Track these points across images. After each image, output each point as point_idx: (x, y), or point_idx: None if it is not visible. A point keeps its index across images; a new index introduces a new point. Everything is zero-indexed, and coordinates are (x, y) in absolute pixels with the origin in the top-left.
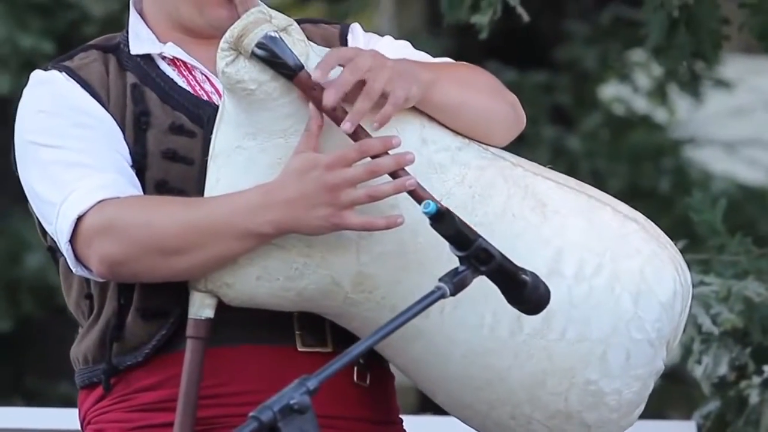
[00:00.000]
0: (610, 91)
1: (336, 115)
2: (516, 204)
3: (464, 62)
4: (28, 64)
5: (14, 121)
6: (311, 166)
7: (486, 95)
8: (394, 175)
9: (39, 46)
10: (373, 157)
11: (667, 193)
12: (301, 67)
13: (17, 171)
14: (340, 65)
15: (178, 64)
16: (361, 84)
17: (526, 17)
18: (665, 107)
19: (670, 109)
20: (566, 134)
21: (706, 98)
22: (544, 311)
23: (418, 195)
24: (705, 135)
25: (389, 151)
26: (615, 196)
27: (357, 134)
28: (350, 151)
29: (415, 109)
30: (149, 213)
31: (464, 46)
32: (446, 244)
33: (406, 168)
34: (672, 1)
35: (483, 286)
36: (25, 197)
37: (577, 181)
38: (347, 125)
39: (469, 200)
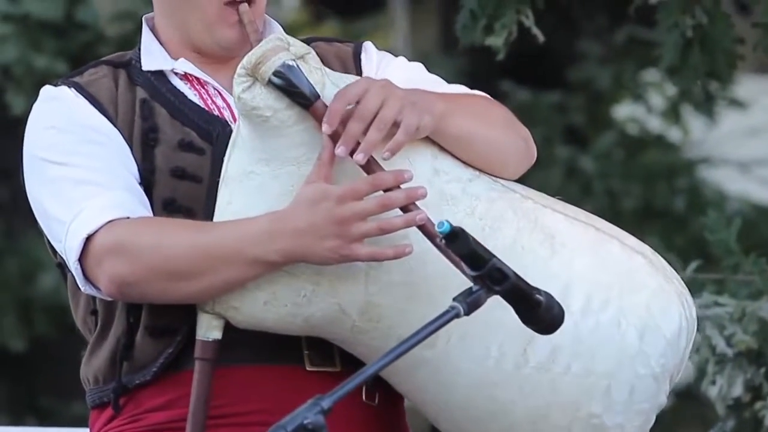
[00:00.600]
0: (624, 110)
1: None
2: (525, 237)
3: (478, 92)
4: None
5: None
6: (322, 197)
7: (499, 128)
8: (404, 208)
9: (53, 66)
10: (385, 190)
11: (682, 212)
12: (317, 96)
13: (25, 185)
14: (350, 104)
15: (190, 78)
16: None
17: (541, 37)
18: (679, 127)
19: (684, 129)
20: (580, 154)
21: (721, 118)
22: (551, 345)
23: (428, 230)
24: (719, 155)
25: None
26: (629, 216)
27: (369, 165)
28: (362, 184)
29: (427, 140)
30: (160, 236)
31: (478, 66)
32: (454, 274)
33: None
34: (686, 21)
35: (490, 318)
36: None
37: (586, 214)
38: (360, 156)
39: (479, 232)
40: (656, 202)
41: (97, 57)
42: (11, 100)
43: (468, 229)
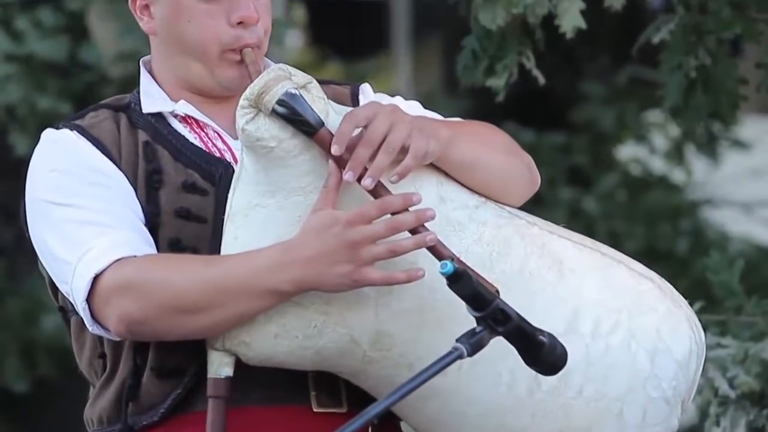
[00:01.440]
0: (627, 151)
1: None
2: (533, 262)
3: (479, 121)
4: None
5: None
6: (331, 223)
7: (502, 154)
8: (413, 231)
9: (57, 107)
10: (393, 213)
11: (685, 253)
12: (322, 124)
13: (28, 230)
14: (358, 126)
15: (189, 121)
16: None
17: (541, 79)
18: (682, 168)
19: (687, 170)
20: (583, 195)
21: (724, 159)
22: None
23: (438, 251)
24: (722, 196)
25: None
26: (632, 257)
27: (377, 190)
28: (371, 208)
29: (432, 167)
30: (168, 271)
31: (481, 107)
32: (465, 307)
33: (426, 224)
34: (689, 62)
35: (500, 344)
36: None
37: (592, 240)
38: (368, 181)
39: (487, 258)
40: (659, 243)
41: (101, 97)
42: (15, 140)
43: (476, 256)
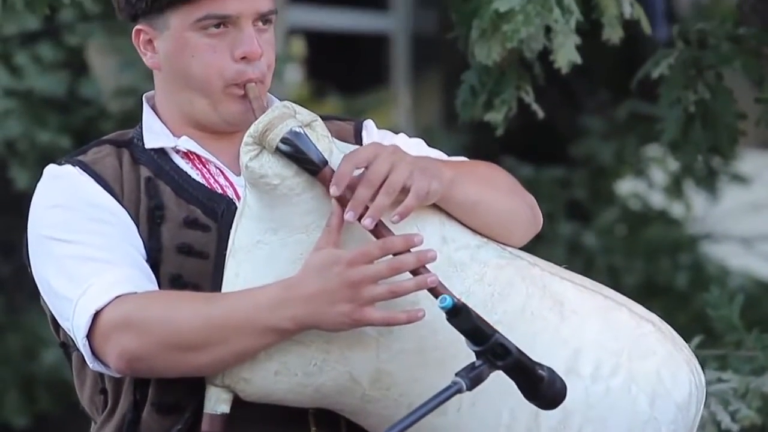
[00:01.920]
0: (626, 186)
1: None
2: (535, 303)
3: (482, 161)
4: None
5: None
6: (332, 262)
7: (505, 195)
8: (415, 272)
9: (57, 141)
10: (396, 254)
11: (684, 288)
12: (326, 162)
13: (30, 266)
14: (358, 167)
15: (192, 157)
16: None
17: (541, 114)
18: (682, 202)
19: (686, 205)
20: (582, 230)
21: (723, 193)
22: (562, 410)
23: (439, 292)
24: (722, 230)
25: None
26: (631, 292)
27: (378, 230)
28: (373, 248)
29: (434, 207)
30: (169, 308)
31: (481, 141)
32: (464, 341)
33: (427, 265)
34: (688, 97)
35: (501, 384)
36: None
37: (593, 282)
38: (368, 221)
39: (489, 298)
40: (659, 277)
41: (101, 132)
42: (15, 175)
43: (477, 296)
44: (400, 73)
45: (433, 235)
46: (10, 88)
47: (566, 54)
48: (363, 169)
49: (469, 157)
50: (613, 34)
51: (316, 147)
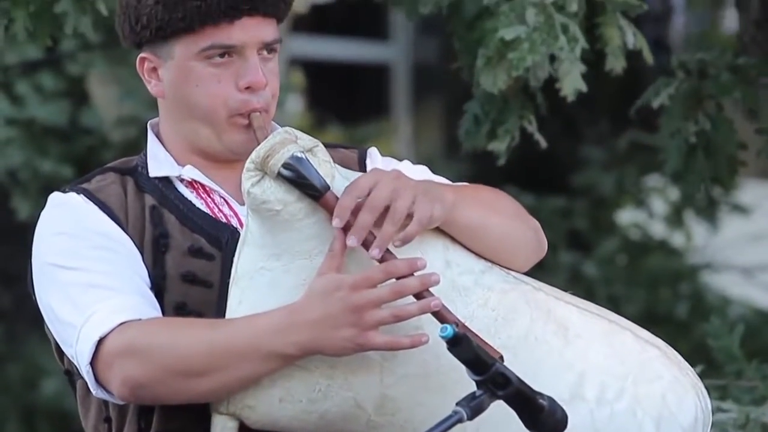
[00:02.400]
0: (626, 216)
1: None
2: (539, 327)
3: (485, 186)
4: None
5: (32, 247)
6: (335, 287)
7: (509, 219)
8: (418, 296)
9: (58, 170)
10: (399, 278)
11: (685, 318)
12: (327, 187)
13: (34, 294)
14: (360, 197)
15: (196, 186)
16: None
17: (543, 143)
18: (682, 232)
19: (687, 234)
20: (583, 259)
21: (723, 223)
22: None
23: (442, 316)
24: (722, 260)
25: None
26: (632, 322)
27: (383, 255)
28: (376, 272)
29: (438, 231)
30: (172, 335)
31: (482, 171)
32: (466, 371)
33: (431, 289)
34: (689, 127)
35: (504, 411)
36: (42, 322)
37: (597, 306)
38: (375, 251)
39: (492, 323)
40: (659, 307)
41: (102, 161)
42: (16, 204)
43: (481, 321)
44: (400, 103)
45: (437, 259)
46: (11, 117)
47: (572, 82)
48: (365, 197)
49: None
50: (616, 64)
51: (317, 172)
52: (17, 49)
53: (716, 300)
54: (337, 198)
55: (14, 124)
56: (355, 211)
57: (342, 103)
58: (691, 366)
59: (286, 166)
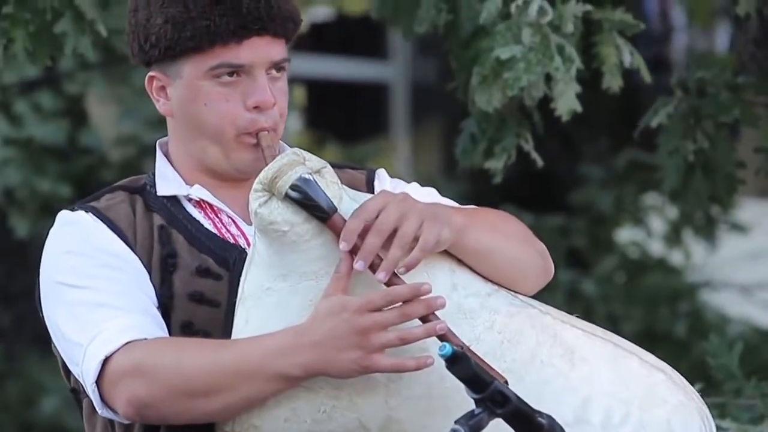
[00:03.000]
0: (625, 234)
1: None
2: (545, 351)
3: (493, 209)
4: (45, 208)
5: (32, 264)
6: (341, 309)
7: (516, 243)
8: (424, 318)
9: (56, 190)
10: (402, 302)
11: (683, 336)
12: (335, 209)
13: (41, 311)
14: (367, 221)
15: (204, 206)
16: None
17: (540, 162)
18: (681, 251)
19: (685, 253)
20: (582, 277)
21: (722, 242)
22: None
23: (448, 339)
24: (721, 278)
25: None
26: (631, 340)
27: (389, 278)
28: (378, 297)
29: (445, 254)
30: (178, 355)
31: (480, 190)
32: (465, 389)
33: (437, 312)
34: (687, 146)
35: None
36: (41, 341)
37: (604, 330)
38: (382, 275)
39: (498, 346)
40: (658, 326)
41: (101, 180)
42: (15, 223)
43: (487, 343)
44: (399, 122)
45: (444, 281)
46: (9, 136)
47: (567, 102)
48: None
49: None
50: (613, 82)
51: (325, 194)
52: (16, 68)
53: (715, 318)
54: (345, 220)
55: (12, 144)
56: (363, 234)
57: (341, 121)
58: (690, 384)
59: (293, 187)
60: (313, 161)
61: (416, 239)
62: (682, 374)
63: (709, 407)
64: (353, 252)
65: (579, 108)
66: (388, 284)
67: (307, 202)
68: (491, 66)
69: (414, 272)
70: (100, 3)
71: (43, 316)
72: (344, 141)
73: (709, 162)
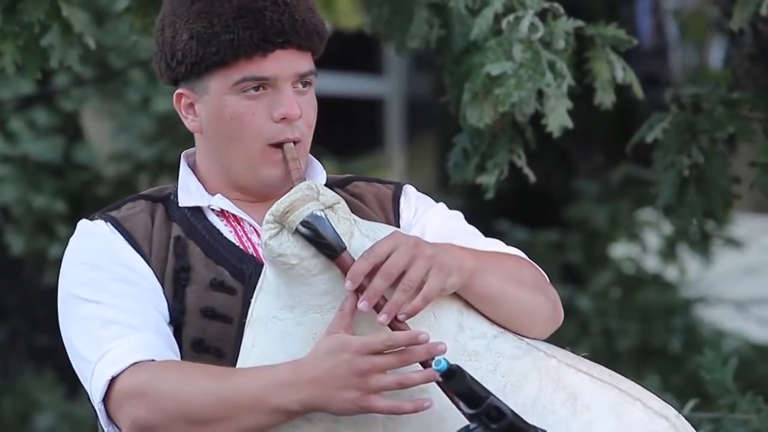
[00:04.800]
0: (620, 250)
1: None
2: (547, 396)
3: (513, 249)
4: (40, 225)
5: (27, 280)
6: (341, 349)
7: (527, 291)
8: (425, 363)
9: (52, 206)
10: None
11: (678, 351)
12: (344, 248)
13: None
14: (376, 265)
15: (226, 215)
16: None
17: (532, 178)
18: (676, 266)
19: (680, 268)
20: (577, 293)
21: (717, 257)
22: None
23: (446, 387)
24: (716, 294)
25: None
26: (626, 355)
27: (392, 322)
28: (377, 341)
29: (454, 295)
30: (181, 381)
31: (474, 205)
32: (460, 405)
33: None
34: (682, 161)
35: None
36: (36, 357)
37: (611, 373)
38: (383, 317)
39: (501, 389)
40: (653, 341)
41: (96, 197)
42: (10, 240)
43: (490, 386)
44: (394, 137)
45: (450, 322)
46: (4, 153)
47: (558, 118)
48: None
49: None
50: (605, 98)
51: (335, 231)
52: (10, 85)
53: (710, 334)
54: (353, 259)
55: (7, 161)
56: (370, 275)
57: (336, 136)
58: (685, 399)
59: (304, 224)
60: (327, 196)
61: (422, 285)
62: (676, 389)
63: (703, 422)
64: (359, 291)
65: (570, 124)
66: (390, 326)
67: (317, 239)
68: (482, 82)
69: (421, 312)
70: (94, 20)
71: (60, 326)
72: (339, 156)
73: (704, 177)
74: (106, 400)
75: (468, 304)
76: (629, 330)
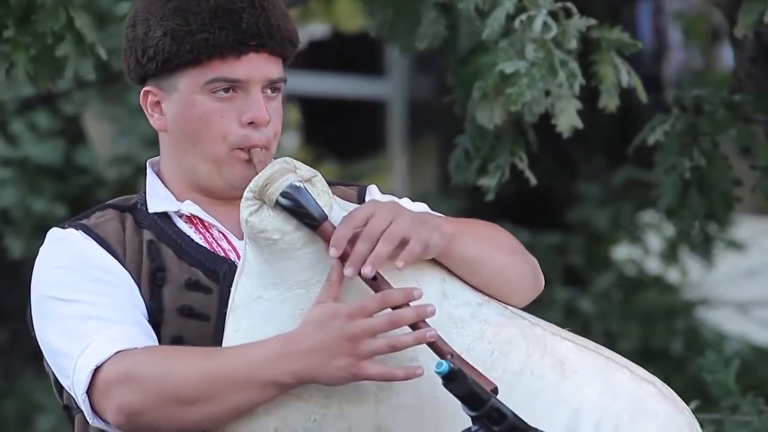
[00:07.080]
0: (622, 252)
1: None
2: (535, 362)
3: (484, 221)
4: (41, 228)
5: (27, 283)
6: (332, 316)
7: (506, 254)
8: (414, 326)
9: (52, 210)
10: (394, 307)
11: (680, 353)
12: (326, 217)
13: (33, 328)
14: (357, 228)
15: (194, 221)
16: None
17: (534, 180)
18: (677, 268)
19: (682, 270)
20: (578, 295)
21: (719, 259)
22: None
23: (438, 347)
24: (717, 296)
25: (410, 303)
26: (627, 357)
27: (377, 284)
28: (371, 301)
29: (435, 263)
30: (167, 362)
31: (476, 207)
32: (461, 406)
33: (427, 320)
34: (684, 163)
35: None
36: (37, 359)
37: (595, 344)
38: (368, 269)
39: (489, 356)
40: (655, 343)
41: (97, 200)
42: (10, 243)
43: (477, 354)
44: (396, 139)
45: (434, 290)
46: (5, 156)
47: (568, 119)
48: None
49: None
50: (609, 102)
51: (316, 201)
52: (12, 88)
53: (711, 336)
54: (335, 227)
55: (8, 164)
56: (352, 241)
57: (338, 139)
58: (687, 401)
59: (284, 195)
60: (304, 170)
61: (405, 240)
62: (678, 392)
63: (705, 424)
64: (343, 259)
65: (580, 125)
66: (376, 290)
67: (298, 209)
68: (494, 81)
69: (404, 280)
70: (95, 24)
71: (34, 332)
72: (341, 158)
73: (705, 179)
74: (90, 391)
75: (450, 273)
76: (631, 332)
